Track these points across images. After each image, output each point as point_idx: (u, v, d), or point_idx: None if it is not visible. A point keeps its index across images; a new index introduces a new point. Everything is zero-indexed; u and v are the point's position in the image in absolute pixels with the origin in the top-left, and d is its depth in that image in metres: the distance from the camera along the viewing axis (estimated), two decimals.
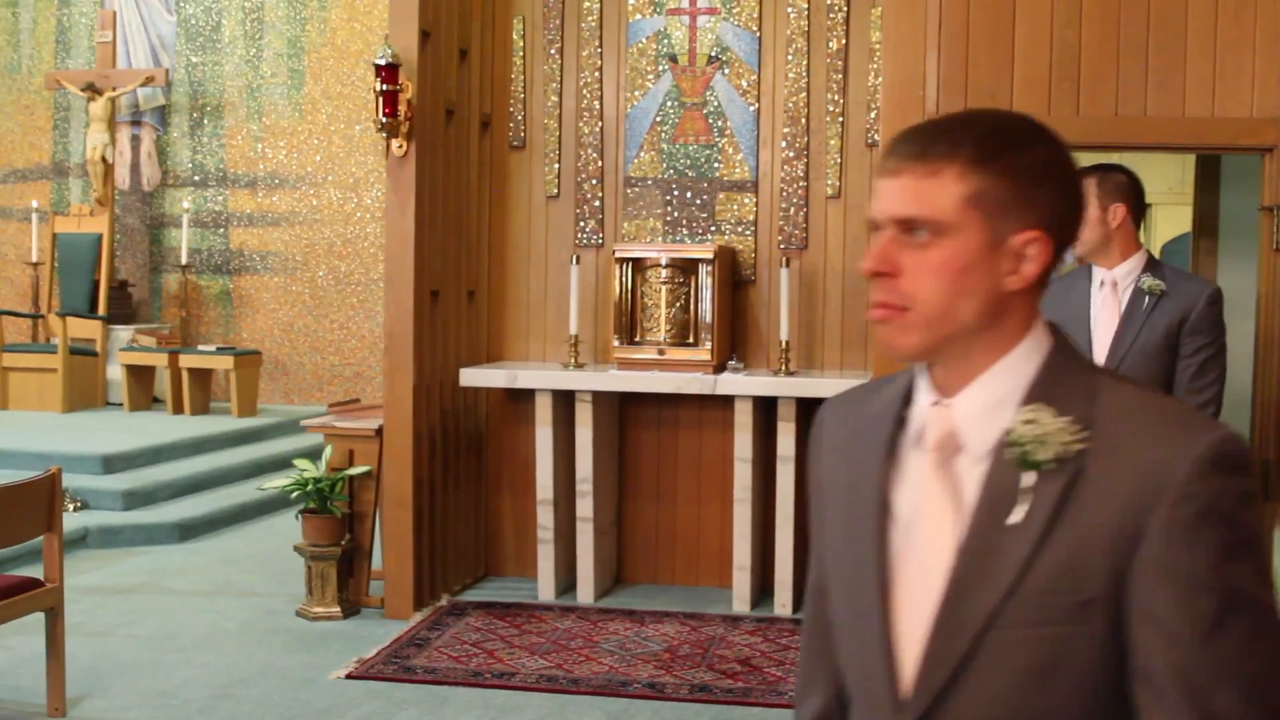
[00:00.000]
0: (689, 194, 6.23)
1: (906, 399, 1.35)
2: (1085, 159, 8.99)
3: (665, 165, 6.24)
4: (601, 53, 6.27)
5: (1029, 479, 1.22)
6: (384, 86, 5.46)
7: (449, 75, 5.95)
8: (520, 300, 6.40)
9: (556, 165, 6.33)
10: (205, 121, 10.67)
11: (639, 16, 6.25)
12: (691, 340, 5.92)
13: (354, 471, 5.73)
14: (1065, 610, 1.19)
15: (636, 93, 6.26)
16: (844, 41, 6.02)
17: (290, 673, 4.95)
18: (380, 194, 9.78)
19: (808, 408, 5.56)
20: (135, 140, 10.65)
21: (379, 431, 5.75)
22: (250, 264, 10.61)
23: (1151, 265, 3.67)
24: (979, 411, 1.27)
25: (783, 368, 5.80)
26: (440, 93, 5.85)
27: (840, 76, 6.04)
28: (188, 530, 7.26)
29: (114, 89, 10.09)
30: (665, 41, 6.23)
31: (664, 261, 5.94)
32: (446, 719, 4.50)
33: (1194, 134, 4.13)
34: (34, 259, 10.33)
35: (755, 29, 6.14)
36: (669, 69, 6.23)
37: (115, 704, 4.58)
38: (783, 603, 5.81)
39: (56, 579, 4.42)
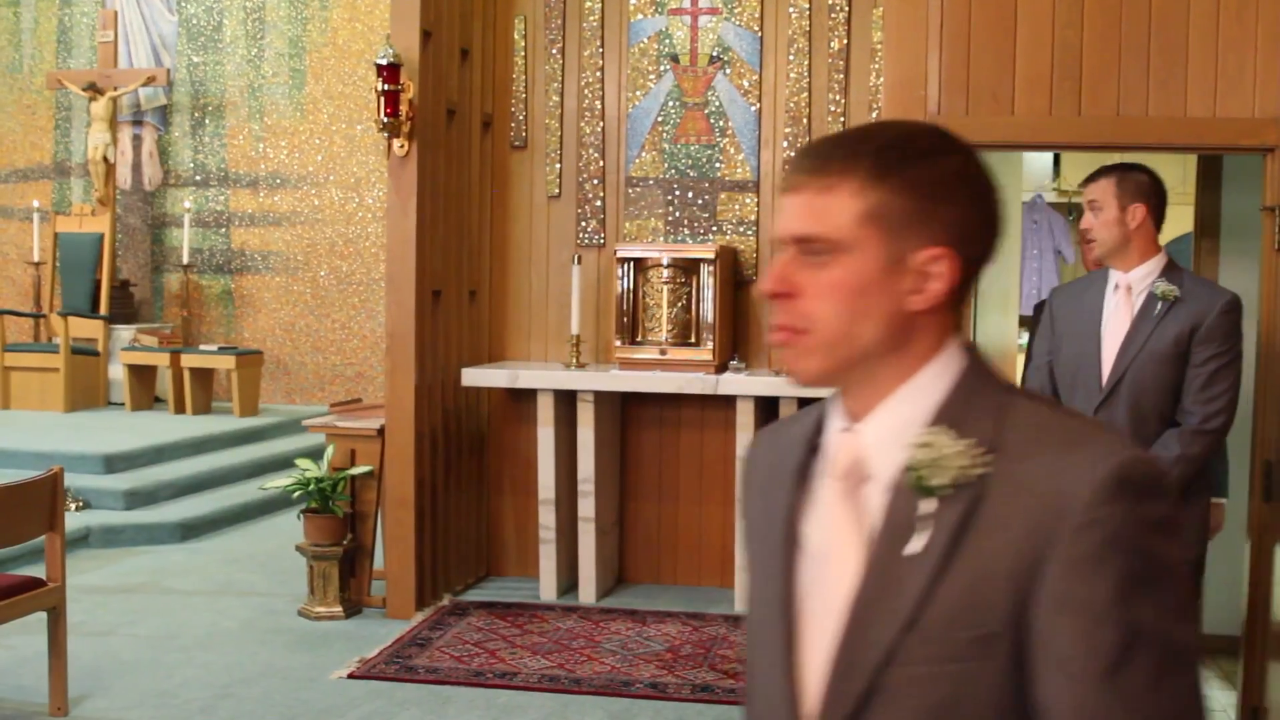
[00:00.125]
0: (690, 194, 6.23)
1: (822, 426, 1.30)
2: (1086, 159, 8.92)
3: (667, 165, 6.25)
4: (603, 52, 6.27)
5: (928, 506, 1.15)
6: (385, 86, 5.47)
7: (450, 75, 5.95)
8: (522, 300, 6.40)
9: (558, 165, 6.33)
10: (207, 121, 10.67)
11: (640, 16, 6.25)
12: (693, 340, 5.92)
13: (356, 471, 5.73)
14: (966, 645, 1.12)
15: (638, 93, 6.26)
16: (845, 41, 6.02)
17: (292, 672, 4.95)
18: (382, 194, 9.79)
19: None
20: (137, 140, 10.66)
21: (381, 431, 5.75)
22: (252, 264, 10.62)
23: (1169, 270, 3.55)
24: (886, 437, 1.20)
25: (784, 368, 5.78)
26: (442, 93, 5.86)
27: (842, 76, 6.04)
28: (189, 530, 7.27)
29: (115, 89, 10.10)
30: (667, 41, 6.23)
31: (665, 261, 5.94)
32: (448, 719, 4.50)
33: (1195, 134, 4.13)
34: (36, 258, 10.33)
35: (757, 29, 6.14)
36: (670, 69, 6.24)
37: (117, 703, 4.58)
38: None
39: (58, 578, 4.43)
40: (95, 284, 9.94)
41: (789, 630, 1.25)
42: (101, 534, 7.01)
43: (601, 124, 6.29)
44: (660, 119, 6.25)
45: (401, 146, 5.60)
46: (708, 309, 5.87)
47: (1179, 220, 3.82)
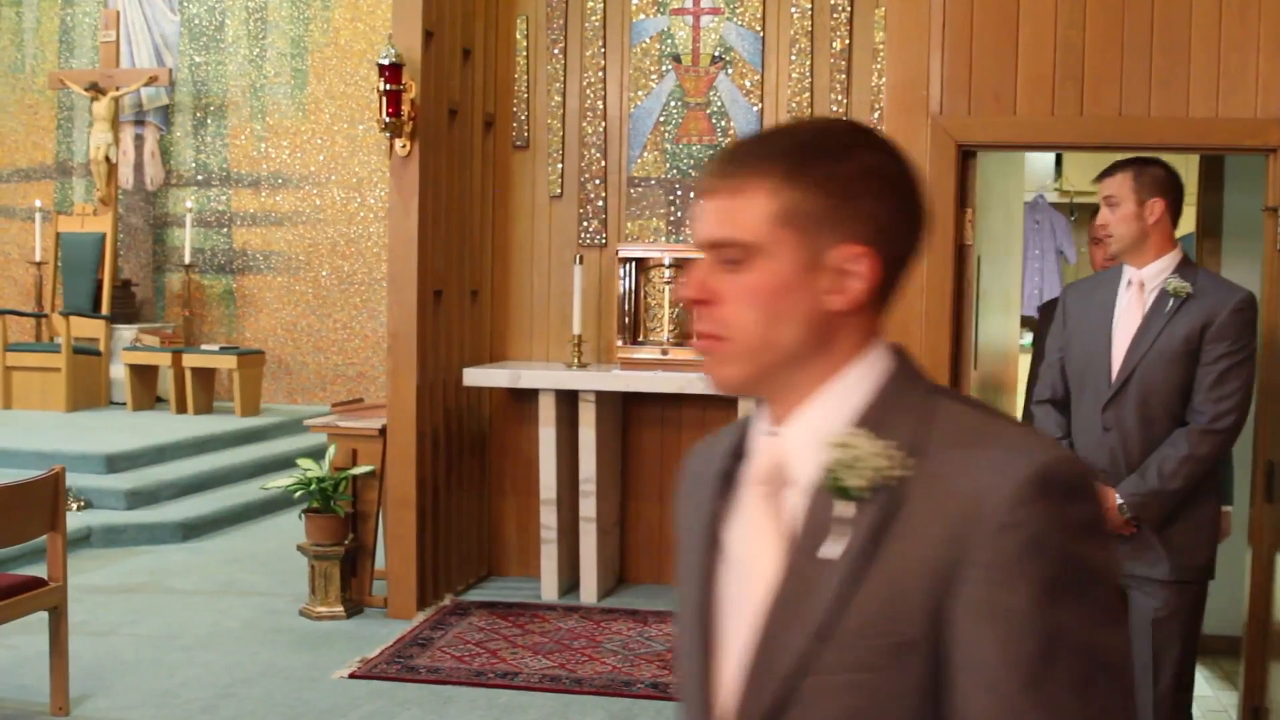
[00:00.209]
0: (692, 194, 6.21)
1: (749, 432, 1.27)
2: (1088, 159, 8.91)
3: (669, 165, 6.25)
4: (605, 52, 6.27)
5: (845, 509, 1.11)
6: (387, 86, 5.47)
7: (452, 75, 5.95)
8: (523, 300, 6.40)
9: (560, 165, 6.33)
10: (209, 121, 10.67)
11: (642, 16, 6.25)
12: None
13: (357, 471, 5.74)
14: (881, 654, 1.08)
15: (640, 93, 6.26)
16: (847, 41, 6.02)
17: (293, 672, 4.95)
18: (383, 194, 9.78)
19: None
20: (139, 140, 10.66)
21: (382, 431, 5.76)
22: (253, 263, 10.62)
23: (1183, 266, 3.45)
24: (807, 440, 1.17)
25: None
26: (444, 92, 5.86)
27: (844, 76, 6.03)
28: (191, 530, 7.27)
29: (117, 88, 10.10)
30: (669, 41, 6.23)
31: (667, 261, 5.94)
32: (450, 719, 4.50)
33: (1198, 134, 4.13)
34: (38, 258, 10.34)
35: (759, 29, 6.14)
36: (672, 69, 6.24)
37: (118, 703, 4.58)
38: None
39: (60, 578, 4.43)
40: (97, 284, 9.95)
41: (706, 638, 1.22)
42: (103, 534, 7.01)
43: (603, 124, 6.28)
44: (662, 119, 6.25)
45: (403, 146, 5.60)
46: None
47: (1181, 221, 3.80)
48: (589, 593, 5.97)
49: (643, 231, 6.26)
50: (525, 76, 6.34)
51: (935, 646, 1.07)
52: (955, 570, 1.06)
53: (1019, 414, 4.69)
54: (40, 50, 10.92)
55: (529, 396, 6.15)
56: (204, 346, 9.83)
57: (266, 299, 10.59)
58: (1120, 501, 3.36)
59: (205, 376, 9.51)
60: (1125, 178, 3.45)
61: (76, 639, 4.79)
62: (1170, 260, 3.45)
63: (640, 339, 5.99)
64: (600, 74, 6.28)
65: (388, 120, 5.51)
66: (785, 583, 1.14)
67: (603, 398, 5.95)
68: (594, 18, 6.26)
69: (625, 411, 6.30)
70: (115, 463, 7.69)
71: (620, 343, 5.97)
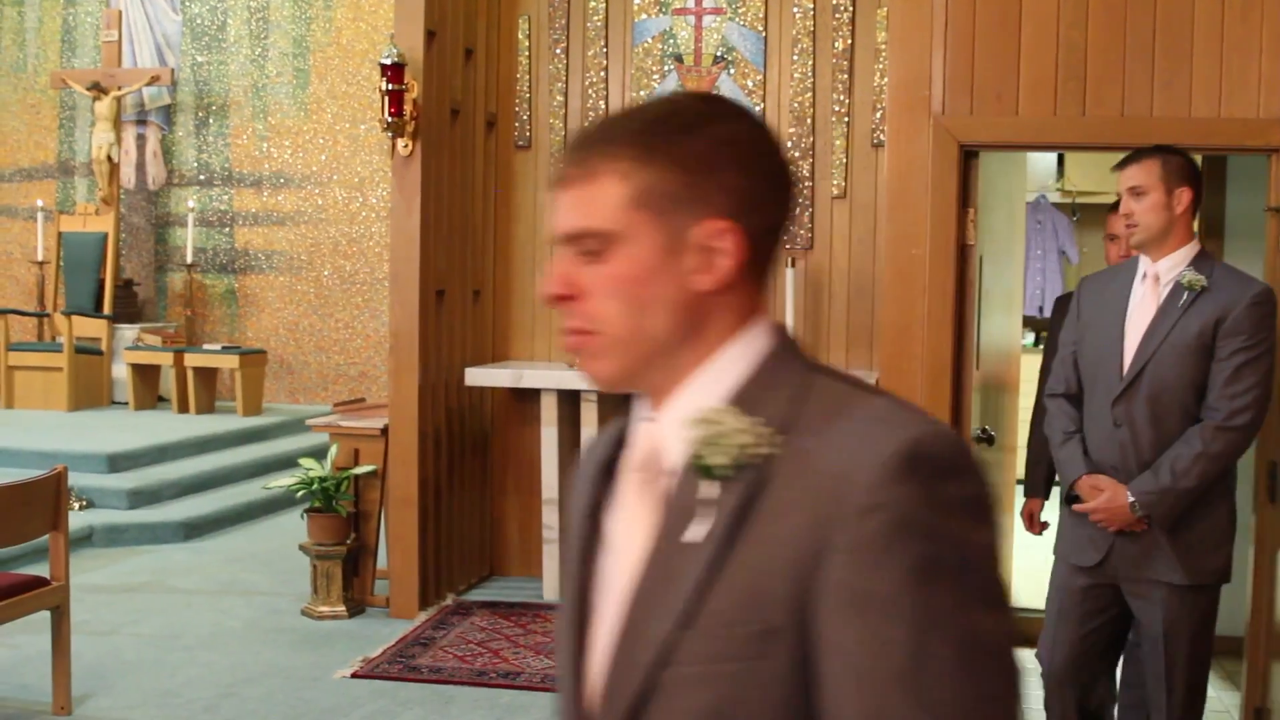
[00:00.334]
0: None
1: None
2: (1089, 160, 8.89)
3: None
4: (607, 52, 6.27)
5: (710, 490, 1.05)
6: (389, 86, 5.47)
7: (454, 75, 5.95)
8: (525, 300, 6.40)
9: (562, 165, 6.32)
10: (210, 121, 10.68)
11: (644, 16, 6.25)
12: None
13: (359, 471, 5.74)
14: (745, 643, 1.02)
15: (642, 92, 6.26)
16: (849, 41, 6.02)
17: (295, 672, 4.95)
18: (385, 193, 9.79)
19: None
20: (141, 139, 10.67)
21: (384, 431, 5.76)
22: (255, 263, 10.62)
23: (1199, 259, 3.33)
24: (681, 422, 1.11)
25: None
26: (445, 92, 5.86)
27: (846, 76, 6.03)
28: (193, 529, 7.27)
29: (119, 88, 10.11)
30: (671, 41, 6.23)
31: None
32: (451, 718, 4.50)
33: (1200, 135, 4.12)
34: (40, 258, 10.34)
35: (761, 29, 6.14)
36: (674, 69, 6.24)
37: (120, 702, 4.58)
38: None
39: (62, 577, 4.43)
40: (99, 283, 9.96)
41: (579, 628, 1.18)
42: (105, 533, 7.01)
43: None
44: None
45: (405, 146, 5.60)
46: None
47: None
48: None
49: None
50: (527, 76, 6.34)
51: (802, 635, 1.01)
52: (820, 554, 0.99)
53: (1029, 409, 4.64)
54: (42, 50, 10.93)
55: (531, 396, 6.15)
56: (206, 346, 9.83)
57: (268, 298, 10.59)
58: (1131, 499, 3.26)
59: (207, 376, 9.52)
60: (1152, 165, 3.34)
61: (78, 638, 4.79)
62: (1187, 252, 3.34)
63: None
64: (602, 74, 6.28)
65: (390, 120, 5.51)
66: (649, 569, 1.09)
67: (604, 397, 5.94)
68: (596, 18, 6.26)
69: (626, 411, 6.28)
70: (117, 462, 7.70)
71: None
